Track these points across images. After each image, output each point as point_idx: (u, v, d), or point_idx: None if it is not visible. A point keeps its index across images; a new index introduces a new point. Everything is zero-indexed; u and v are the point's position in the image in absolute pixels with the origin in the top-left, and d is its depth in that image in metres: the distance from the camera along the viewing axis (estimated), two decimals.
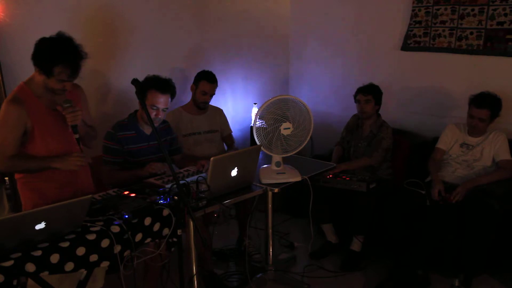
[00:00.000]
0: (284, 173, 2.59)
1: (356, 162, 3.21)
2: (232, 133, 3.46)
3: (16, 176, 2.17)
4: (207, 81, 3.15)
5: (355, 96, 3.29)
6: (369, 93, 3.20)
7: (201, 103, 3.19)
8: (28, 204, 2.13)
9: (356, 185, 2.92)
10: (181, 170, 2.55)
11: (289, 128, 2.53)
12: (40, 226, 1.62)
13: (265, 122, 2.53)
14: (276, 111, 2.51)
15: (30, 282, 1.62)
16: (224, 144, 3.44)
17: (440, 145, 3.07)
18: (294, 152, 2.63)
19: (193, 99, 3.23)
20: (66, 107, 2.01)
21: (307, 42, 4.34)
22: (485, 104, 2.82)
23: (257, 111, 2.53)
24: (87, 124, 2.27)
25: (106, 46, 3.10)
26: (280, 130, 2.52)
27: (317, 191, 2.72)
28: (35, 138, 2.04)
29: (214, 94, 3.23)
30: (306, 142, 2.62)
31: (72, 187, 2.17)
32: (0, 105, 2.12)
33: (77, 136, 2.08)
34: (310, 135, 2.61)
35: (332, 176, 3.00)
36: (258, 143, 2.55)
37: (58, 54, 1.92)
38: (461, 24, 3.33)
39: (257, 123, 2.55)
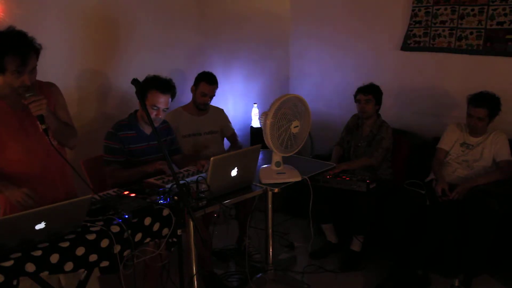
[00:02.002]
0: (284, 173, 2.58)
1: (356, 162, 3.21)
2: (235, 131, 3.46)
3: None
4: (206, 83, 3.15)
5: (355, 96, 3.29)
6: (370, 93, 3.21)
7: (201, 104, 3.19)
8: (6, 209, 2.09)
9: (356, 185, 2.92)
10: (181, 170, 2.54)
11: (297, 126, 2.53)
12: (40, 226, 1.62)
13: (278, 123, 2.50)
14: (287, 110, 2.50)
15: (22, 284, 1.61)
16: (225, 144, 3.44)
17: (442, 145, 3.07)
18: (298, 150, 2.63)
19: (193, 100, 3.23)
20: (28, 96, 1.92)
21: (307, 42, 4.34)
22: (483, 103, 2.83)
23: (269, 114, 2.46)
24: (65, 121, 2.18)
25: (106, 46, 3.10)
26: (290, 129, 2.52)
27: (317, 191, 2.72)
28: (2, 141, 2.01)
29: (214, 95, 3.22)
30: (303, 142, 2.61)
31: (47, 190, 2.10)
32: None
33: (44, 126, 1.97)
34: (308, 131, 2.61)
35: (332, 176, 3.00)
36: (271, 145, 2.51)
37: (5, 44, 1.86)
38: (461, 24, 3.34)
39: (268, 122, 2.46)
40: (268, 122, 2.44)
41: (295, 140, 2.57)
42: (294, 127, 2.52)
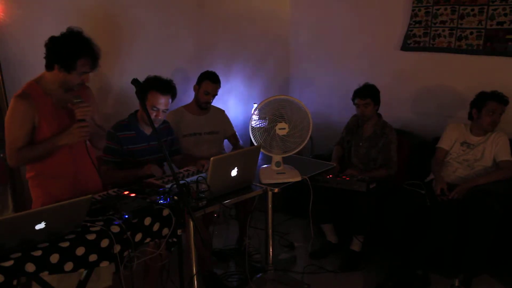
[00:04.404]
0: (284, 173, 2.58)
1: (376, 172, 3.17)
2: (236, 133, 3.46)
3: (27, 175, 2.17)
4: (210, 81, 3.15)
5: (353, 100, 3.26)
6: (367, 97, 3.17)
7: (203, 103, 3.19)
8: (38, 203, 2.14)
9: (356, 185, 2.91)
10: (181, 170, 2.54)
11: (284, 128, 2.52)
12: (40, 226, 1.62)
13: (260, 122, 2.53)
14: (272, 111, 2.51)
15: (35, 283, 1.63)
16: (225, 144, 3.44)
17: (441, 144, 3.07)
18: (291, 153, 2.61)
19: (196, 99, 3.23)
20: (76, 102, 2.04)
21: (308, 43, 4.34)
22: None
23: (252, 111, 2.54)
24: (96, 123, 2.28)
25: (107, 46, 3.05)
26: (275, 130, 2.53)
27: (317, 191, 2.72)
28: (44, 134, 2.05)
29: (216, 94, 3.22)
30: (305, 143, 2.60)
31: (80, 185, 2.18)
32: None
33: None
34: (309, 136, 2.59)
35: (332, 176, 3.00)
36: (254, 142, 2.55)
37: (80, 47, 2.00)
38: (461, 24, 3.34)
39: (252, 122, 2.55)
40: (252, 118, 2.52)
41: (283, 142, 2.57)
42: (280, 129, 2.52)
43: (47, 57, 2.03)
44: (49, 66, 2.04)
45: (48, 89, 2.07)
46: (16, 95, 2.02)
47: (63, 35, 2.01)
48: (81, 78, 2.06)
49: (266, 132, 2.53)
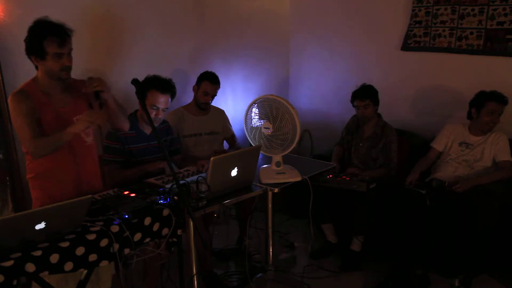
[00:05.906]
0: (284, 173, 2.58)
1: (376, 172, 3.18)
2: (234, 133, 3.46)
3: (27, 176, 2.17)
4: (209, 82, 3.15)
5: (352, 102, 3.25)
6: (367, 98, 3.16)
7: (202, 103, 3.19)
8: (37, 204, 2.14)
9: (356, 185, 2.91)
10: (181, 170, 2.55)
11: (268, 128, 2.53)
12: (40, 226, 1.62)
13: (249, 119, 2.60)
14: (260, 110, 2.54)
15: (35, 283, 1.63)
16: (225, 144, 3.44)
17: (434, 144, 3.08)
18: (282, 154, 2.60)
19: (195, 99, 3.23)
20: (88, 79, 2.05)
21: (307, 42, 4.34)
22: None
23: (247, 108, 2.60)
24: (117, 102, 2.25)
25: (107, 46, 3.10)
26: (261, 128, 2.55)
27: (317, 191, 2.72)
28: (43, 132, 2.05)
29: (215, 95, 3.22)
30: (293, 146, 2.54)
31: (81, 186, 2.18)
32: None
33: (99, 101, 2.09)
34: (297, 137, 2.52)
35: (332, 176, 2.99)
36: (248, 137, 2.59)
37: (41, 29, 1.98)
38: (461, 24, 3.34)
39: (246, 121, 2.63)
40: (246, 117, 2.59)
41: (269, 141, 2.58)
42: (265, 127, 2.53)
43: (26, 54, 2.02)
44: (35, 65, 2.04)
45: (45, 88, 2.07)
46: (14, 92, 2.03)
47: (28, 28, 2.01)
48: (60, 63, 2.00)
49: (254, 130, 2.56)
